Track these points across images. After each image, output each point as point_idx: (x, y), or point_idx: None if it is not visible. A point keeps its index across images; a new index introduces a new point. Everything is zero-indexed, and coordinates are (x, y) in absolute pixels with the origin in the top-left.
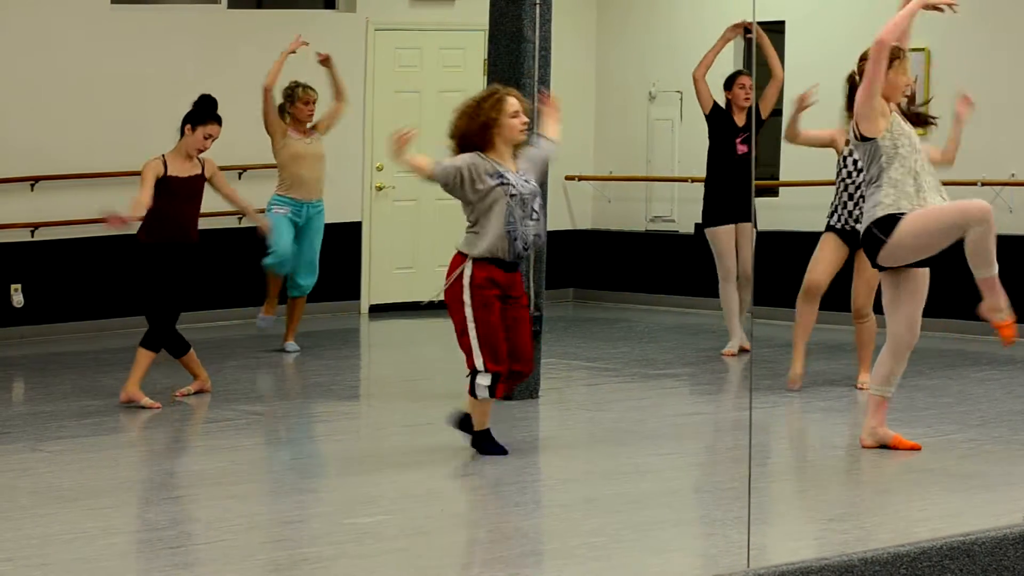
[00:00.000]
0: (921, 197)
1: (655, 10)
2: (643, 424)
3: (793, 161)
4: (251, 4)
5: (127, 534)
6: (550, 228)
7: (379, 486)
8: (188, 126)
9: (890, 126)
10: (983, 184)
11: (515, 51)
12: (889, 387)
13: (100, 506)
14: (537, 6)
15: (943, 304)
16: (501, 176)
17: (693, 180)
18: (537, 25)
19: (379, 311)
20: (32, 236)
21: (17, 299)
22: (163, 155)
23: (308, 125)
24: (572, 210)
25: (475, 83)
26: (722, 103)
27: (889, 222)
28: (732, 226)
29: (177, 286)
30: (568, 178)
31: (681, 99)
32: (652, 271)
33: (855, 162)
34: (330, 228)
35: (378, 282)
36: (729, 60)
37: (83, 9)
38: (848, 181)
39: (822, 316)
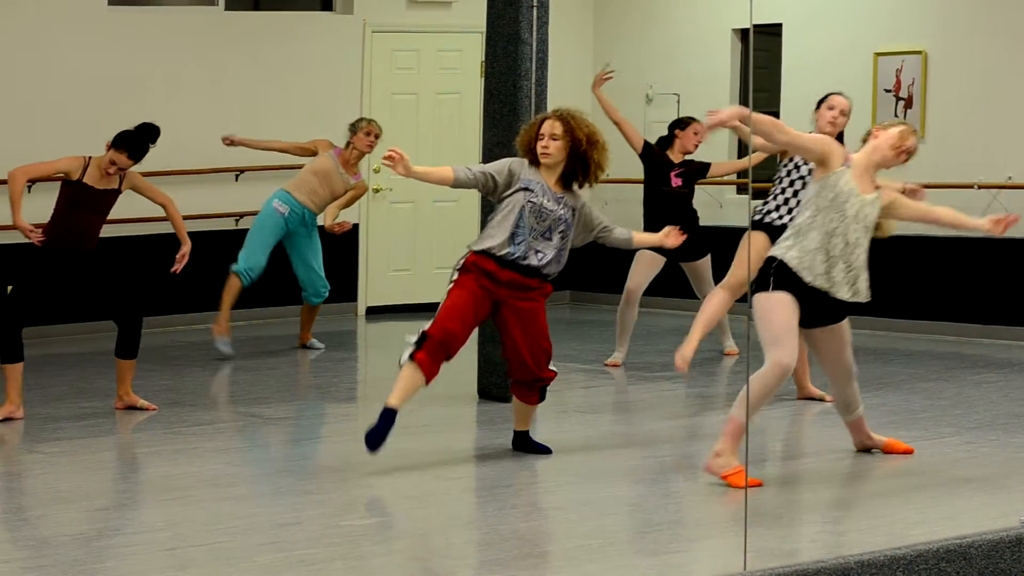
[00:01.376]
0: (825, 267)
1: (652, 13)
2: (639, 426)
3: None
4: (248, 6)
5: (123, 536)
6: None
7: (376, 488)
8: (108, 143)
9: (836, 179)
10: (979, 187)
11: (512, 53)
12: (853, 413)
13: (96, 508)
14: (534, 8)
15: (940, 307)
16: (529, 183)
17: None
18: (534, 27)
19: (376, 313)
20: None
21: None
22: (89, 158)
23: (360, 170)
24: None
25: (473, 85)
26: (668, 139)
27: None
28: (654, 255)
29: (67, 292)
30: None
31: (678, 102)
32: None
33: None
34: (322, 229)
35: (375, 284)
36: (727, 65)
37: (80, 10)
38: (808, 179)
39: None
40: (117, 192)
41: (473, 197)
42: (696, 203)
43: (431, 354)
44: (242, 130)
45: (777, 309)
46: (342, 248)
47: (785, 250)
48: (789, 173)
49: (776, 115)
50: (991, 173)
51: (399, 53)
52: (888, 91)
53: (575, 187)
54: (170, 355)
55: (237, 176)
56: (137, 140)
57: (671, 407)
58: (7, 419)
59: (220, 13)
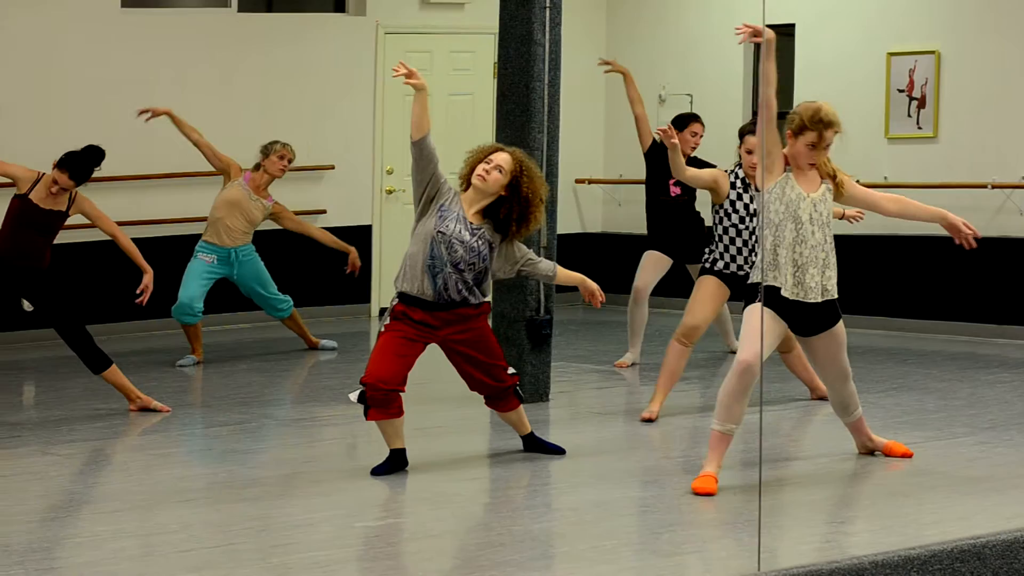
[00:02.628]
0: (796, 277)
1: (665, 13)
2: (653, 427)
3: None
4: (261, 7)
5: (137, 537)
6: (560, 231)
7: (389, 490)
8: (55, 161)
9: (781, 189)
10: (993, 187)
11: (525, 54)
12: (851, 414)
13: (110, 509)
14: (547, 9)
15: (954, 307)
16: (445, 211)
17: None
18: (547, 28)
19: None
20: None
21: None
22: (42, 174)
23: (271, 193)
24: (582, 213)
25: (485, 86)
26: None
27: (753, 290)
28: (661, 255)
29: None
30: (578, 181)
31: (691, 102)
32: None
33: (746, 206)
34: (339, 231)
35: (388, 285)
36: (740, 66)
37: (93, 12)
38: (741, 227)
39: None
40: (63, 215)
41: None
42: (708, 201)
43: (380, 405)
44: (253, 132)
45: (749, 316)
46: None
47: (763, 274)
48: (721, 220)
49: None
50: (1004, 173)
51: (412, 54)
52: (901, 91)
53: (501, 232)
54: (180, 357)
55: None
56: (80, 162)
57: (684, 407)
58: None
59: (232, 14)
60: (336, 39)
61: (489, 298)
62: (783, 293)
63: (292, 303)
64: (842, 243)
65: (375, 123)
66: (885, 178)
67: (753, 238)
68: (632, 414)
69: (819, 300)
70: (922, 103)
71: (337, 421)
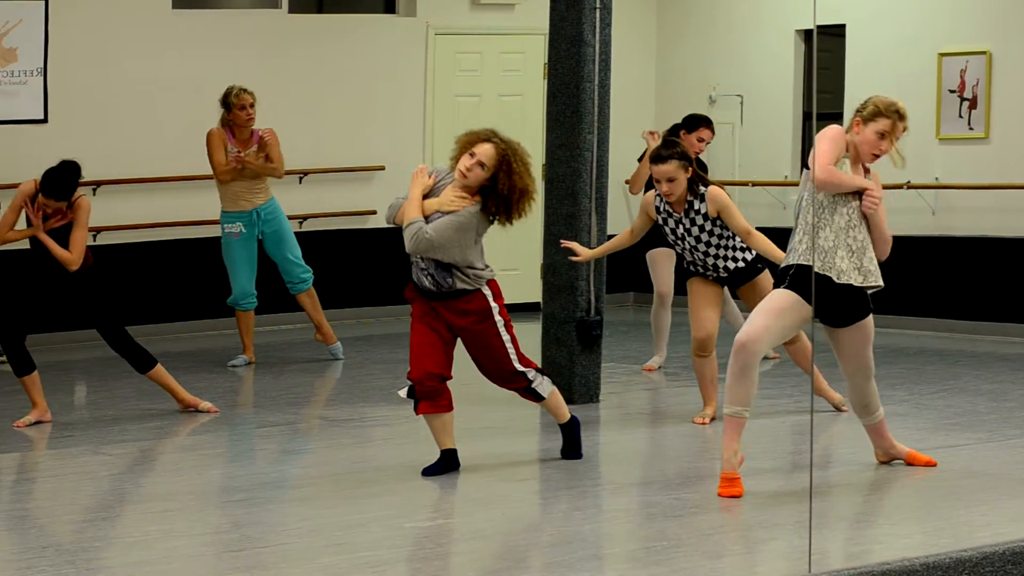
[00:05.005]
0: (852, 261)
1: (715, 13)
2: (704, 428)
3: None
4: (312, 8)
5: (189, 537)
6: (610, 231)
7: (439, 490)
8: (36, 180)
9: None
10: None
11: (575, 55)
12: (872, 415)
13: (161, 509)
14: (597, 10)
15: (1005, 308)
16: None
17: (754, 184)
18: (597, 29)
19: None
20: (94, 240)
21: None
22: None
23: (249, 136)
24: (632, 213)
25: (535, 87)
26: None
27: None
28: (668, 251)
29: (56, 303)
30: (628, 182)
31: (741, 103)
32: None
33: (672, 230)
34: (385, 232)
35: None
36: (790, 66)
37: (144, 13)
38: (681, 246)
39: (882, 320)
40: (67, 226)
41: None
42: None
43: (428, 397)
44: (303, 132)
45: (771, 297)
46: (400, 250)
47: (796, 255)
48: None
49: (839, 117)
50: None
51: (462, 55)
52: (952, 92)
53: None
54: (232, 358)
55: (301, 179)
56: (58, 182)
57: None
58: (38, 422)
59: (283, 15)
60: (386, 40)
61: (488, 292)
62: (817, 268)
63: (313, 277)
64: (894, 244)
65: (425, 124)
66: (936, 179)
67: (695, 252)
68: (682, 416)
69: (858, 284)
70: (973, 104)
71: (388, 421)
